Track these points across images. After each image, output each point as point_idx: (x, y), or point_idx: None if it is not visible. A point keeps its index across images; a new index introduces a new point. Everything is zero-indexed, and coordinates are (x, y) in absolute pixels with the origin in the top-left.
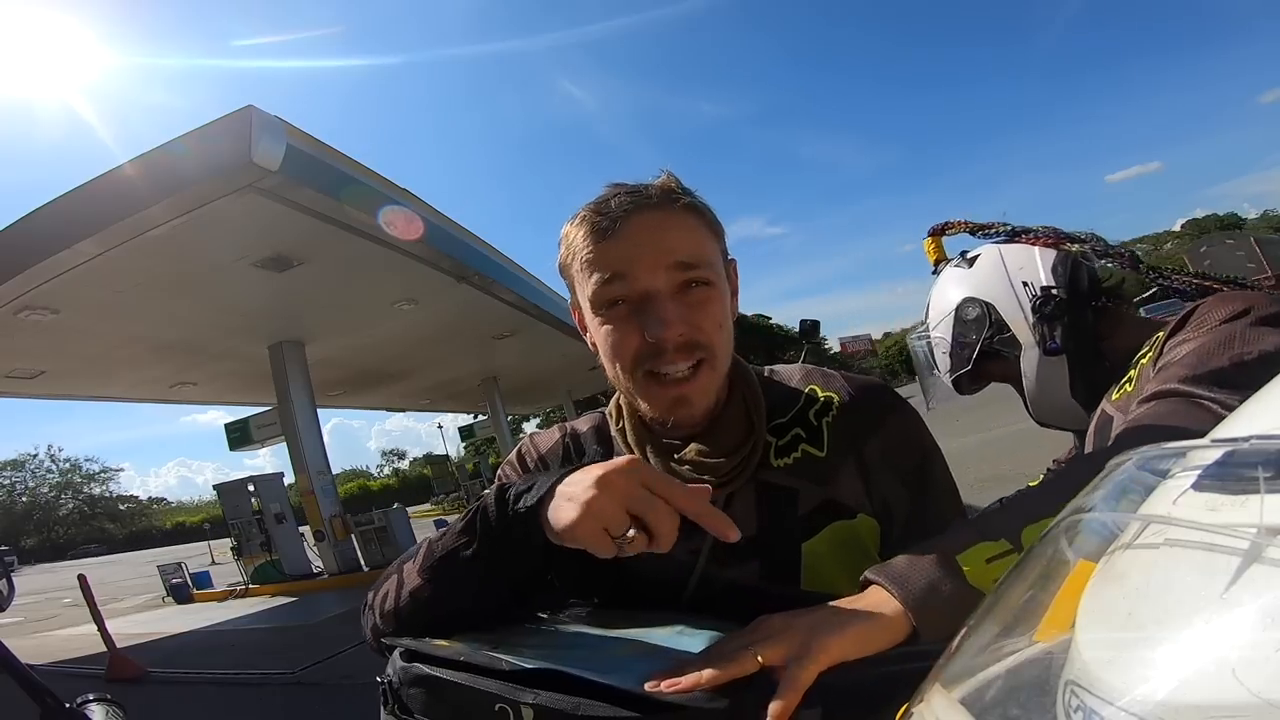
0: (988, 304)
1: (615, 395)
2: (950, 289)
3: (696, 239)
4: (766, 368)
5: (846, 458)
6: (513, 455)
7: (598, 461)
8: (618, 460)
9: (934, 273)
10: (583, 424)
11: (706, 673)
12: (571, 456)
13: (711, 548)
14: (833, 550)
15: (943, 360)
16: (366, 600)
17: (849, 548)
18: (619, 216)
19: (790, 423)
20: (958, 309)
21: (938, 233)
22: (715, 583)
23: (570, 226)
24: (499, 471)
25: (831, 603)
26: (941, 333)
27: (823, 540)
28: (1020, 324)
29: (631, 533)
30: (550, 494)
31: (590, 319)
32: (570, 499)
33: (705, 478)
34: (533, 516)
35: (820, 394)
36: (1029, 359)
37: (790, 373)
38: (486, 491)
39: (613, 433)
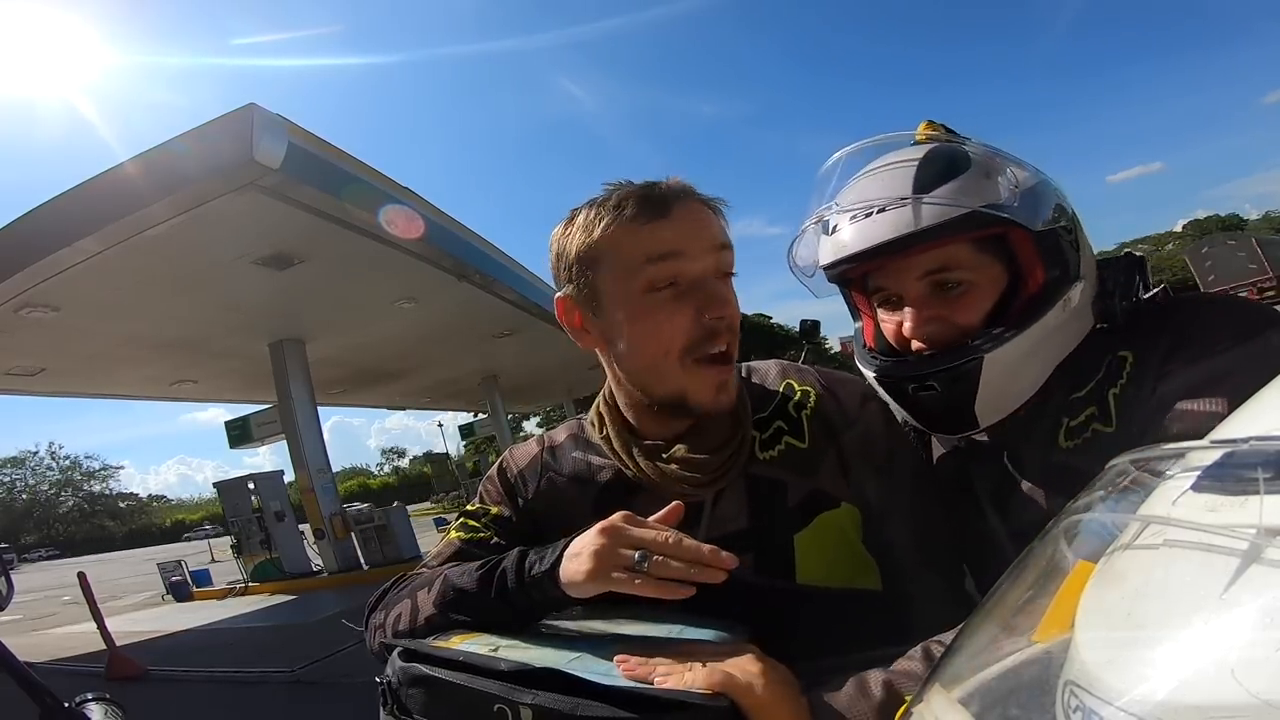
0: (1064, 200)
1: (595, 403)
2: (1011, 162)
3: (727, 234)
4: (744, 365)
5: (826, 448)
6: (493, 470)
7: (578, 470)
8: (610, 519)
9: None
10: (560, 434)
11: (660, 677)
12: (549, 469)
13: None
14: (822, 541)
15: (997, 191)
16: (375, 620)
17: (836, 538)
18: (670, 199)
19: (771, 416)
20: (1041, 183)
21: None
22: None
23: (598, 210)
24: (480, 489)
25: (797, 689)
26: (1019, 170)
27: (813, 531)
28: (1087, 248)
29: (637, 555)
30: (560, 558)
31: (623, 306)
32: (578, 555)
33: (695, 475)
34: (547, 580)
35: (797, 388)
36: (1071, 296)
37: (766, 369)
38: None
39: (596, 440)
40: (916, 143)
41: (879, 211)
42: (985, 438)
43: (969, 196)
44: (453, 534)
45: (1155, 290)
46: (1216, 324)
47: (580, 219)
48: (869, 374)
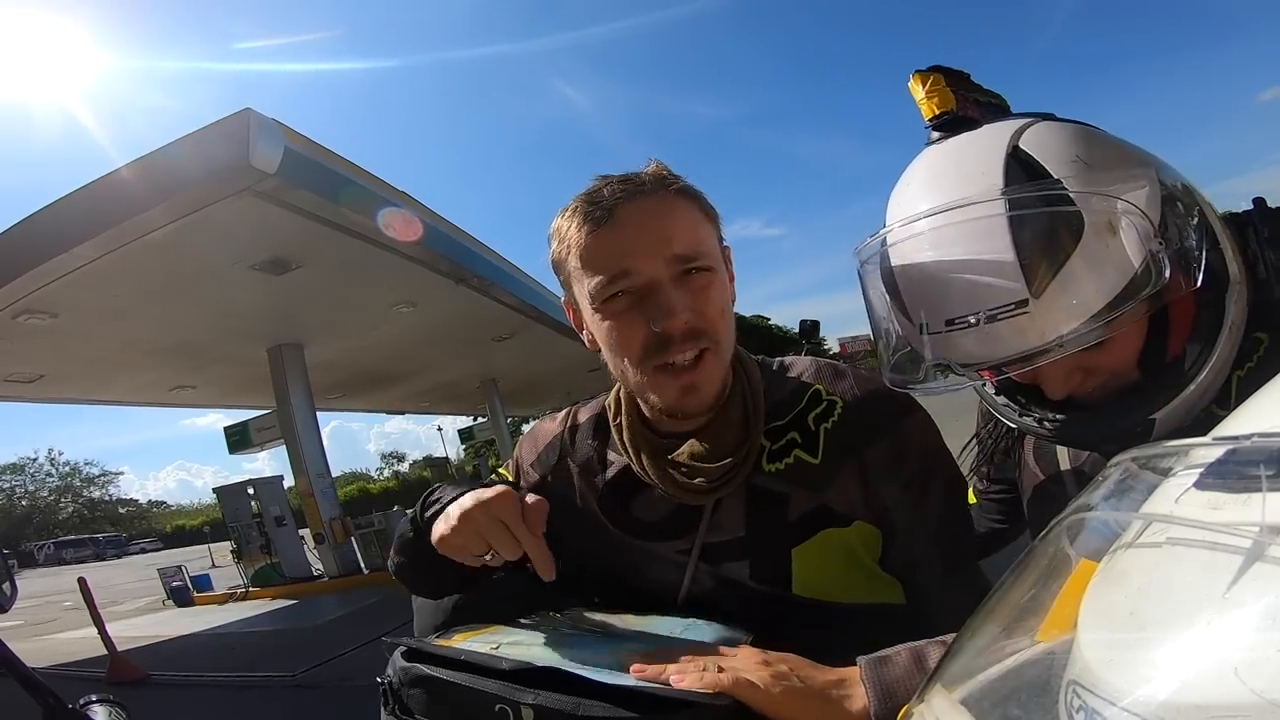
0: (1192, 190)
1: (615, 387)
2: (1119, 151)
3: (693, 225)
4: (777, 360)
5: (844, 464)
6: (519, 443)
7: (590, 460)
8: (489, 491)
9: (935, 135)
10: (584, 413)
11: (675, 677)
12: (565, 453)
13: (702, 548)
14: (823, 557)
15: (1129, 253)
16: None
17: (840, 556)
18: (613, 205)
19: (787, 426)
20: (1164, 180)
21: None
22: (708, 581)
23: (562, 219)
24: (514, 454)
25: (816, 666)
26: (1140, 200)
27: (814, 546)
28: (1227, 241)
29: (489, 556)
30: (443, 509)
31: (589, 315)
32: (447, 518)
33: (697, 481)
34: (427, 527)
35: (825, 395)
36: (1236, 302)
37: (803, 367)
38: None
39: (611, 426)
40: (930, 141)
41: (989, 320)
42: None
43: (1101, 281)
44: None
45: None
46: None
47: (553, 226)
48: (1019, 424)
